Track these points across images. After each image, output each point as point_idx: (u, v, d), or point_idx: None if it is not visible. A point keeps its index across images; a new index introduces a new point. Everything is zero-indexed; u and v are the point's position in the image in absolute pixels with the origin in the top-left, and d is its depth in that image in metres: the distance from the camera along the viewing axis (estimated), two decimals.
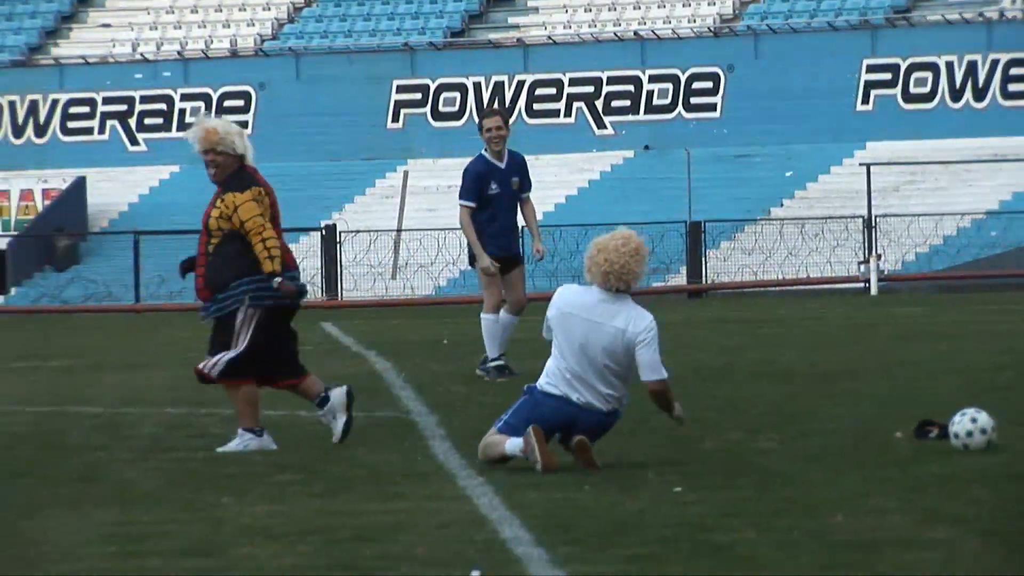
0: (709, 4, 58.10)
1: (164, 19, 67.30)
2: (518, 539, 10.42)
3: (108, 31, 67.03)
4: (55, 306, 52.14)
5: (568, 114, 56.31)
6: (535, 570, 9.43)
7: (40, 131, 62.56)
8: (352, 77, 59.66)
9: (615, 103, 57.26)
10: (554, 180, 51.19)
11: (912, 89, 53.69)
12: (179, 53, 63.49)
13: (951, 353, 25.68)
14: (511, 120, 21.83)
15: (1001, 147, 50.00)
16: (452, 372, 23.48)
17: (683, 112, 55.63)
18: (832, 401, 18.38)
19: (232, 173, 14.68)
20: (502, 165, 20.48)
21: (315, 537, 10.54)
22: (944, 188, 51.54)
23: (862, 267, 45.92)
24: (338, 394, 15.34)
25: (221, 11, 66.84)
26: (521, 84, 56.94)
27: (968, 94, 52.64)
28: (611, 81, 56.92)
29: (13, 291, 54.22)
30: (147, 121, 63.15)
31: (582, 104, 56.96)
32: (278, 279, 14.37)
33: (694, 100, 55.78)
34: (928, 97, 53.12)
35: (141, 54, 64.99)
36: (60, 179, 59.30)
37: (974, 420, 13.61)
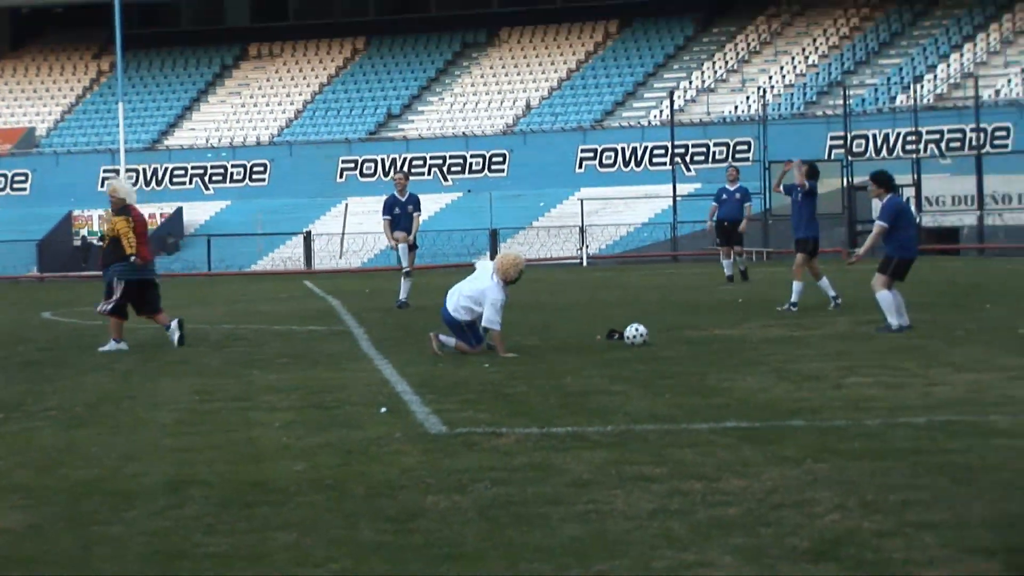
0: (501, 118, 74.73)
1: (229, 118, 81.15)
2: (405, 391, 15.35)
3: (201, 127, 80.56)
4: (166, 272, 62.36)
5: (429, 174, 72.01)
6: (413, 407, 14.07)
7: (159, 182, 75.06)
8: (324, 154, 74.54)
9: (452, 168, 73.45)
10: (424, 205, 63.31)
11: (604, 161, 70.87)
12: (231, 142, 77.36)
13: (624, 295, 32.39)
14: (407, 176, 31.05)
15: (647, 191, 64.61)
16: (371, 306, 30.53)
17: (488, 173, 72.42)
18: (564, 319, 24.47)
19: (120, 208, 22.37)
20: (403, 199, 29.14)
21: (301, 390, 15.65)
22: (619, 211, 66.34)
23: (579, 251, 60.22)
24: (175, 324, 21.99)
25: (238, 114, 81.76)
26: (405, 159, 72.53)
27: (632, 165, 69.75)
28: (450, 156, 73.79)
29: None
30: (214, 177, 76.41)
31: (436, 168, 72.89)
32: (133, 257, 21.71)
33: (494, 167, 72.81)
34: (614, 165, 70.58)
35: (209, 142, 79.50)
36: (169, 208, 73.14)
37: (637, 329, 19.46)
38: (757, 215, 62.33)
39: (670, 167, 65.02)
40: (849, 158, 63.41)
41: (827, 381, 15.36)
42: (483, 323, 18.94)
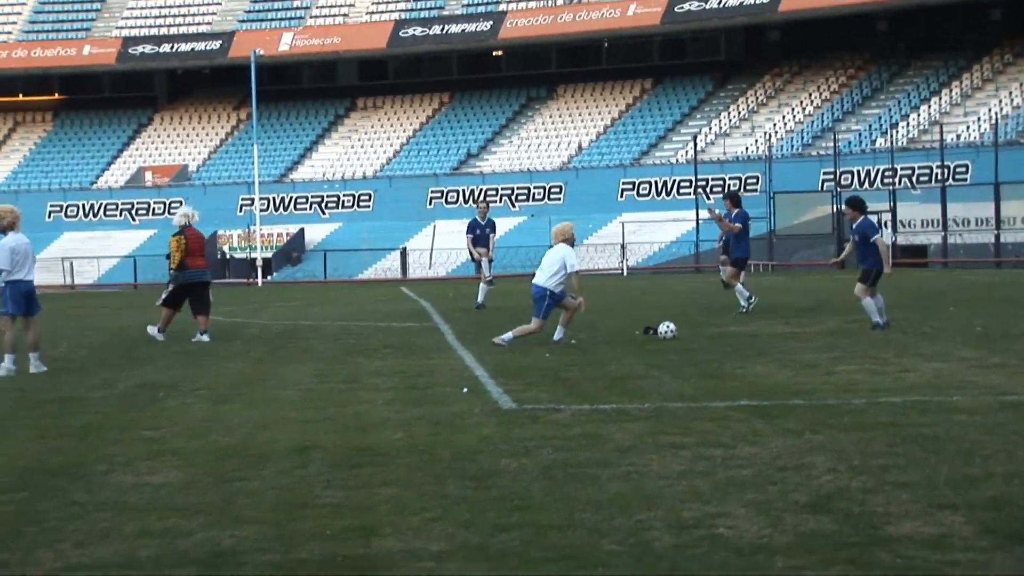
0: (558, 156, 74.47)
1: (342, 156, 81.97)
2: (482, 375, 15.42)
3: (319, 164, 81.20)
4: (291, 280, 66.21)
5: (500, 201, 71.00)
6: (489, 388, 14.13)
7: (285, 208, 75.71)
8: (416, 186, 74.14)
9: (519, 196, 72.80)
10: (497, 227, 63.55)
11: (640, 192, 70.36)
12: (343, 176, 77.89)
13: (657, 299, 30.41)
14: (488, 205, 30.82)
15: (675, 215, 65.33)
16: (455, 307, 30.41)
17: (547, 201, 71.59)
18: (608, 318, 23.72)
19: (177, 230, 23.00)
20: (483, 222, 28.99)
21: (399, 375, 15.66)
22: (653, 232, 66.25)
23: (621, 264, 60.45)
24: (206, 336, 22.13)
25: (348, 154, 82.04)
26: (481, 190, 72.07)
27: (663, 194, 69.52)
28: (517, 187, 73.38)
29: (274, 275, 68.06)
30: (329, 204, 76.33)
31: (506, 196, 72.23)
32: (172, 270, 22.61)
33: (552, 195, 72.30)
34: (648, 195, 70.73)
35: (326, 175, 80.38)
36: (293, 228, 73.54)
37: (668, 326, 19.56)
38: (764, 234, 62.29)
39: (694, 196, 64.81)
40: (838, 189, 63.26)
41: (821, 369, 15.34)
42: (569, 269, 19.38)
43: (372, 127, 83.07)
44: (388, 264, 69.00)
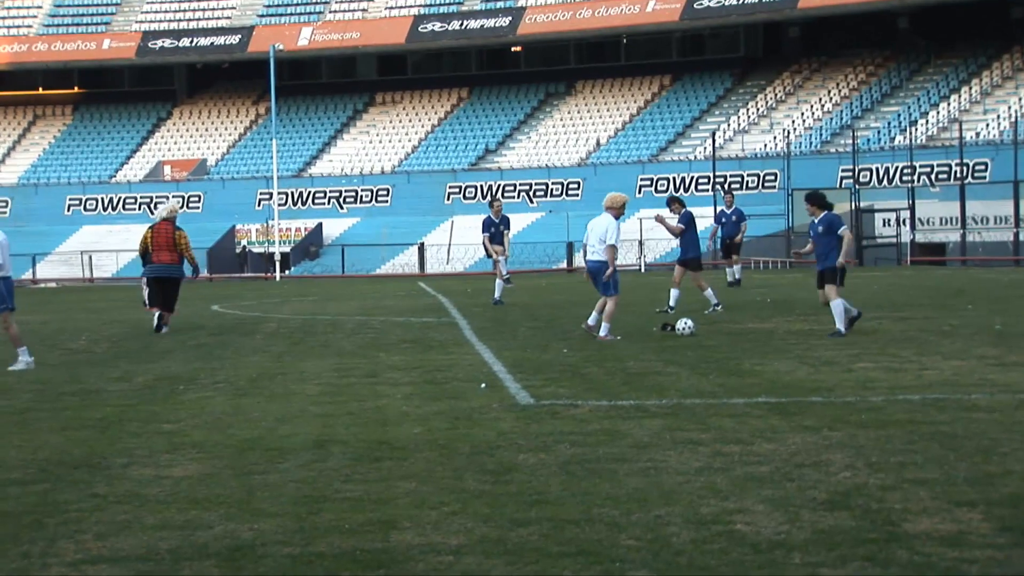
0: (576, 152, 75.30)
1: (360, 151, 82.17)
2: (500, 371, 15.42)
3: (337, 159, 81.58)
4: (309, 274, 65.85)
5: (518, 197, 71.40)
6: (507, 383, 14.11)
7: (304, 202, 75.72)
8: (434, 181, 74.10)
9: (537, 192, 72.68)
10: (511, 223, 62.76)
11: (659, 188, 69.77)
12: (361, 171, 77.50)
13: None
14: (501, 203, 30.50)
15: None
16: (472, 303, 30.31)
17: (565, 197, 71.22)
18: (626, 314, 20.81)
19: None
20: (497, 220, 28.87)
21: (418, 370, 15.68)
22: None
23: (638, 260, 60.13)
24: (164, 328, 22.57)
25: (366, 149, 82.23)
26: (499, 185, 71.96)
27: (681, 191, 67.76)
28: (535, 183, 73.15)
29: (292, 269, 67.66)
30: (347, 199, 76.44)
31: (523, 192, 72.52)
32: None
33: (570, 192, 71.87)
34: (667, 191, 67.53)
35: (344, 170, 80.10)
36: (311, 223, 73.82)
37: (686, 323, 19.56)
38: (781, 232, 62.23)
39: (712, 193, 64.77)
40: (856, 187, 63.09)
41: (840, 366, 15.31)
42: (609, 240, 19.36)
43: (391, 122, 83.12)
44: (406, 259, 69.03)
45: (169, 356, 18.72)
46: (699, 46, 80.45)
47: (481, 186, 74.24)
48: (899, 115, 70.23)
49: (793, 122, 72.65)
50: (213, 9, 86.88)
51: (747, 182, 68.98)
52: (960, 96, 69.90)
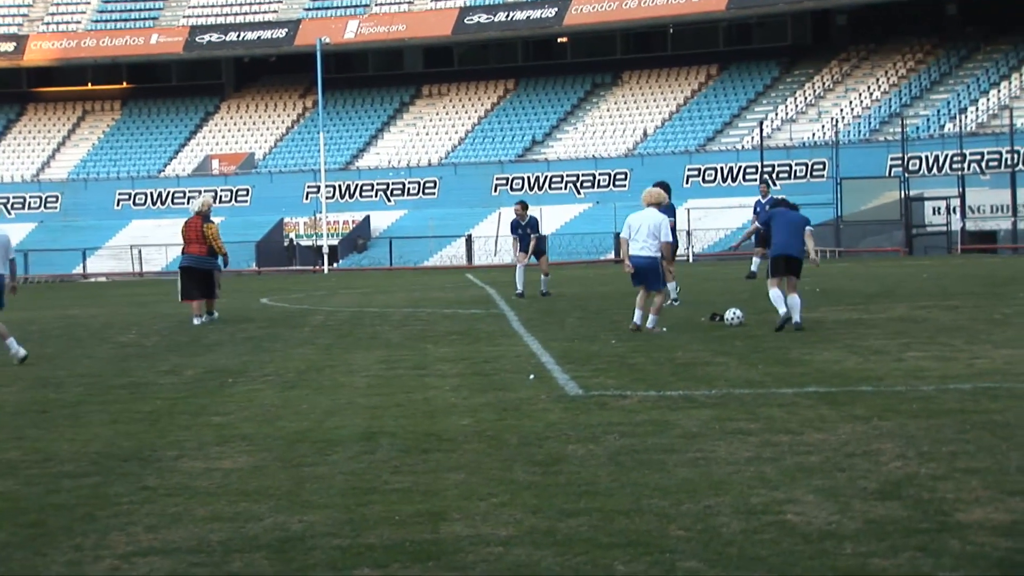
0: (623, 143, 73.46)
1: (407, 144, 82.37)
2: (548, 362, 15.42)
3: (384, 151, 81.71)
4: (356, 267, 65.95)
5: (565, 188, 72.02)
6: (555, 374, 14.11)
7: (351, 195, 76.04)
8: (481, 173, 74.30)
9: (584, 183, 72.61)
10: (558, 214, 66.53)
11: (706, 178, 70.10)
12: (408, 163, 78.22)
13: (723, 286, 28.64)
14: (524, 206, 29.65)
15: (741, 202, 66.33)
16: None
17: (612, 188, 71.10)
18: (675, 304, 22.03)
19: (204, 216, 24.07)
20: (524, 223, 28.65)
21: (465, 362, 15.69)
22: (718, 218, 65.64)
23: (687, 250, 59.18)
24: (204, 318, 23.48)
25: (413, 141, 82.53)
26: (546, 176, 72.45)
27: (729, 181, 69.46)
28: (582, 175, 73.30)
29: (340, 262, 68.62)
30: (394, 191, 76.67)
31: (570, 183, 72.46)
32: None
33: (617, 182, 71.68)
34: (714, 181, 70.10)
35: (391, 163, 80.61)
36: (359, 216, 74.07)
37: (735, 312, 19.42)
38: (831, 221, 61.94)
39: (760, 183, 64.57)
40: (906, 175, 62.79)
41: (889, 355, 15.20)
42: (664, 238, 18.88)
43: (437, 114, 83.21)
44: (453, 251, 69.11)
45: (218, 349, 18.79)
46: (746, 35, 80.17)
47: (528, 177, 74.27)
48: (948, 103, 69.77)
49: (841, 111, 72.31)
50: (260, 3, 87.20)
51: (795, 171, 68.74)
52: (1010, 83, 69.39)
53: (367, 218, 74.47)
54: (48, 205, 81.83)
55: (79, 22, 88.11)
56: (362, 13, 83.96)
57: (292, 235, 73.58)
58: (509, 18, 79.66)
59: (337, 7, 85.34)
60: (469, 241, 68.24)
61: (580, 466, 9.01)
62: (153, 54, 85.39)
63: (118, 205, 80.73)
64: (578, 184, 73.08)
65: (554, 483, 8.48)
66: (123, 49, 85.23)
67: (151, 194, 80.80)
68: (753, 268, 33.64)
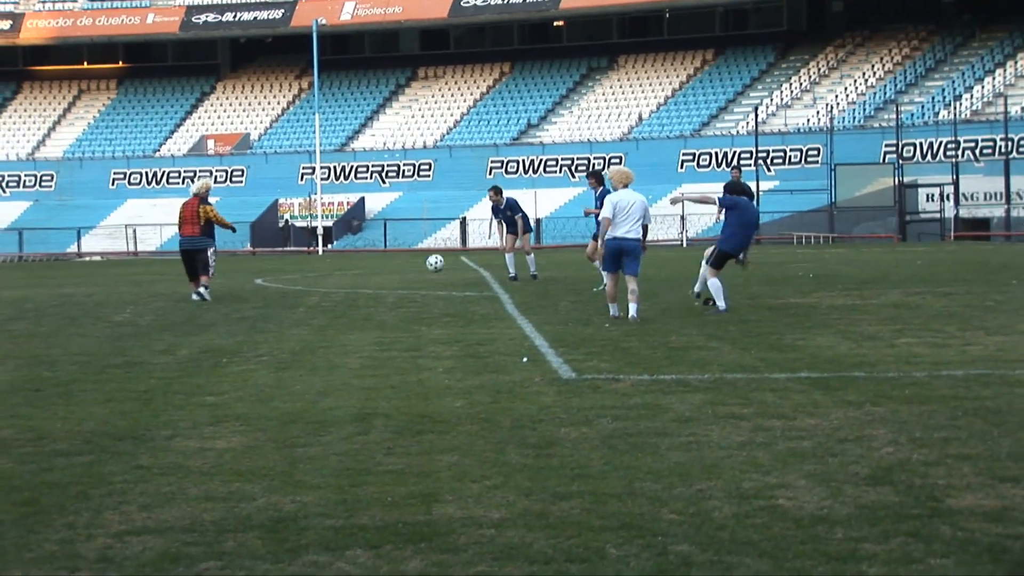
0: (618, 127, 72.68)
1: (402, 126, 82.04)
2: (542, 344, 15.42)
3: (379, 133, 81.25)
4: (351, 248, 65.48)
5: (560, 172, 71.89)
6: (549, 357, 14.09)
7: (346, 177, 75.89)
8: (476, 156, 74.31)
9: (579, 167, 72.78)
10: (553, 197, 64.37)
11: (701, 163, 70.10)
12: (403, 145, 78.11)
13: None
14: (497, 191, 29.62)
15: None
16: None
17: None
18: (667, 289, 20.34)
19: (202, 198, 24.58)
20: (502, 207, 28.61)
21: (459, 344, 15.67)
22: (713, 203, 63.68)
23: (680, 235, 59.57)
24: (201, 291, 23.97)
25: (408, 123, 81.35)
26: (541, 160, 72.20)
27: (724, 166, 68.09)
28: (577, 158, 73.20)
29: (334, 243, 68.27)
30: (389, 173, 76.77)
31: (565, 167, 72.34)
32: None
33: (612, 166, 68.56)
34: (709, 166, 70.03)
35: (386, 145, 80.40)
36: (354, 198, 74.09)
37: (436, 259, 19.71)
38: (825, 206, 62.01)
39: (754, 168, 64.54)
40: (900, 162, 62.86)
41: (882, 341, 15.20)
42: (647, 220, 18.21)
43: (433, 97, 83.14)
44: (448, 233, 69.13)
45: (213, 329, 18.77)
46: (742, 20, 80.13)
47: (523, 161, 74.26)
48: (943, 90, 69.80)
49: (836, 97, 72.32)
50: None
51: (790, 157, 68.80)
52: (1005, 71, 69.41)
53: (362, 200, 74.48)
54: (43, 184, 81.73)
55: (75, 1, 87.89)
56: None
57: (287, 216, 73.59)
58: (505, 1, 79.55)
59: None
60: (464, 224, 68.26)
61: (573, 449, 9.01)
62: (149, 34, 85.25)
63: (113, 184, 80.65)
64: (573, 168, 73.08)
65: (547, 466, 8.48)
66: (119, 28, 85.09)
67: (146, 174, 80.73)
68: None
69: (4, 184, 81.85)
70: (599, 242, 23.07)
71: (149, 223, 71.99)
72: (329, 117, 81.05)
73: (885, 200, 61.68)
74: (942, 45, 74.05)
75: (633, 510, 7.26)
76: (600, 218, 19.10)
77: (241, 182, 78.80)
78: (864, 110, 70.81)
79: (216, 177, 78.14)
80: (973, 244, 49.90)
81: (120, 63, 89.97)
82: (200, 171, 77.38)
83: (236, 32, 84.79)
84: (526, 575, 6.15)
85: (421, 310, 21.32)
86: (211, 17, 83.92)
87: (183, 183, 77.94)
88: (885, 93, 71.59)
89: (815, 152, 68.23)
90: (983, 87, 68.76)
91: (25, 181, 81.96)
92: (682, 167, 70.73)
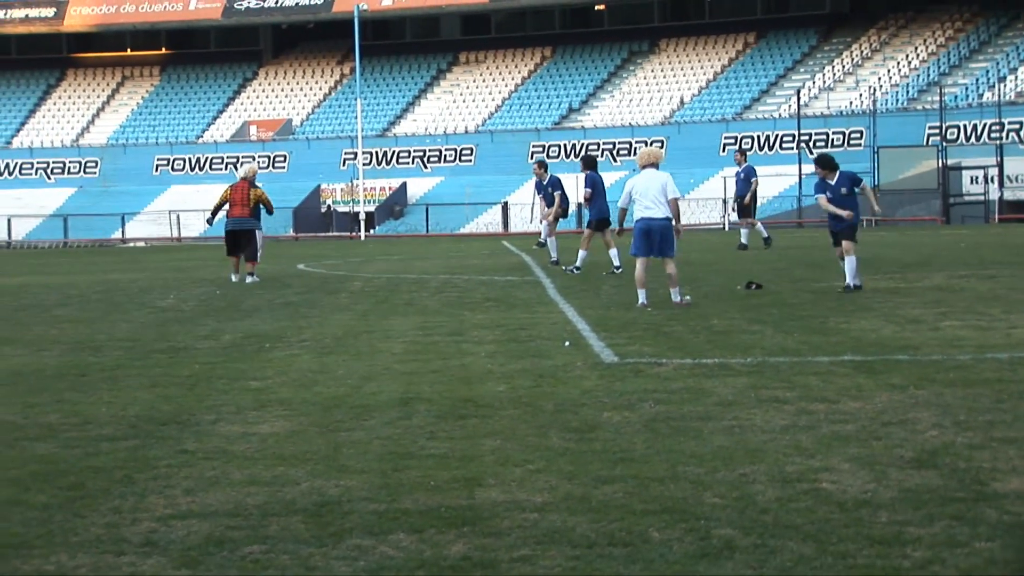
0: (660, 111, 72.64)
1: (444, 111, 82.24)
2: (584, 329, 15.45)
3: (421, 118, 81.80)
4: (393, 234, 65.60)
5: (602, 156, 67.62)
6: (591, 342, 14.09)
7: (388, 162, 75.66)
8: (518, 140, 73.80)
9: (620, 151, 71.89)
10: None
11: (743, 146, 64.78)
12: (445, 130, 78.12)
13: (759, 254, 30.26)
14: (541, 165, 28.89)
15: (778, 170, 60.61)
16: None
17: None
18: (710, 272, 20.81)
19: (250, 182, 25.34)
20: (545, 183, 27.84)
21: (501, 328, 15.70)
22: None
23: (722, 218, 56.41)
24: (251, 277, 24.65)
25: (450, 108, 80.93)
26: (583, 144, 70.80)
27: (766, 149, 63.79)
28: (618, 142, 72.72)
29: (376, 228, 68.93)
30: (431, 158, 76.66)
31: (607, 151, 70.26)
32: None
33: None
34: (751, 149, 66.84)
35: (428, 130, 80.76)
36: (396, 183, 74.35)
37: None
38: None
39: (796, 151, 64.28)
40: (944, 144, 62.46)
41: (926, 324, 15.12)
42: (671, 194, 17.70)
43: (474, 81, 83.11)
44: (490, 218, 69.14)
45: (256, 314, 18.85)
46: (784, 2, 79.76)
47: (565, 145, 74.15)
48: (987, 71, 69.27)
49: (879, 79, 71.91)
50: None
51: (832, 140, 68.45)
52: None
53: (404, 185, 74.55)
54: (88, 170, 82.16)
55: None
56: None
57: (329, 201, 73.75)
58: None
59: None
60: (505, 208, 68.24)
61: (615, 433, 9.01)
62: (192, 20, 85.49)
63: (156, 170, 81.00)
64: (615, 152, 72.91)
65: (589, 450, 8.47)
66: (162, 15, 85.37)
67: (189, 160, 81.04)
68: (743, 240, 33.85)
69: (49, 171, 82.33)
70: (606, 230, 25.17)
71: (192, 209, 72.22)
72: (371, 102, 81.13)
73: (928, 183, 61.31)
74: (986, 26, 73.50)
75: (676, 494, 7.25)
76: (619, 205, 18.93)
77: (284, 168, 79.00)
78: (907, 92, 70.38)
79: (259, 163, 78.32)
80: (1018, 226, 49.56)
81: (163, 49, 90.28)
82: (243, 157, 77.57)
83: (278, 18, 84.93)
84: (569, 559, 6.14)
85: (463, 295, 21.35)
86: (253, 3, 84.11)
87: (226, 169, 78.18)
88: (928, 75, 71.13)
89: (858, 135, 67.87)
90: None
91: (70, 168, 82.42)
92: (724, 150, 70.47)
